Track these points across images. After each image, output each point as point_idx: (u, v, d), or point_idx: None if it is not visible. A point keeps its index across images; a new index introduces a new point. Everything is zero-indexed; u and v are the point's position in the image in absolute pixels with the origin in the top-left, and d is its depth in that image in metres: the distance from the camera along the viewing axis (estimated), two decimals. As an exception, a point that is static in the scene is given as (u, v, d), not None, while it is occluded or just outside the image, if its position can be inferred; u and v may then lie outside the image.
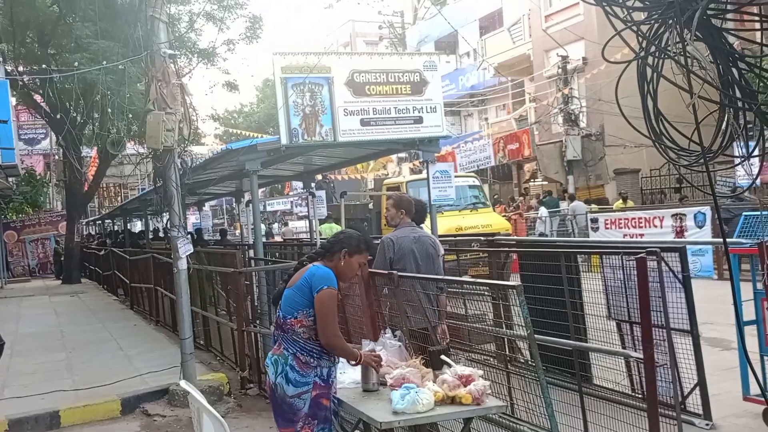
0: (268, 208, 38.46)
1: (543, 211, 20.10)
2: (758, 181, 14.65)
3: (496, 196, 26.46)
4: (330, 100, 7.97)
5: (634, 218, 15.24)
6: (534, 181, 27.83)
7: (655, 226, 14.46)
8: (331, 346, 3.54)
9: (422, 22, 35.63)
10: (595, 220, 16.21)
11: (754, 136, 2.13)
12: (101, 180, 25.54)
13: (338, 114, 7.97)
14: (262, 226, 27.50)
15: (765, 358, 5.44)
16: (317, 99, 7.93)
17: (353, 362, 3.77)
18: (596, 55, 22.00)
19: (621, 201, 19.56)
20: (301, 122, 7.81)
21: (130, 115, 14.47)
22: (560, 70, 23.40)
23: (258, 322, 7.62)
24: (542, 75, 26.45)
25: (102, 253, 21.45)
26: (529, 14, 28.04)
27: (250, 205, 10.83)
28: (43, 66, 18.21)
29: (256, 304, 7.78)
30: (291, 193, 38.08)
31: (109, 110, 13.14)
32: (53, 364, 8.91)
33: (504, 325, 6.15)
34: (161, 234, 20.58)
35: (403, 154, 27.33)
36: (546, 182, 25.79)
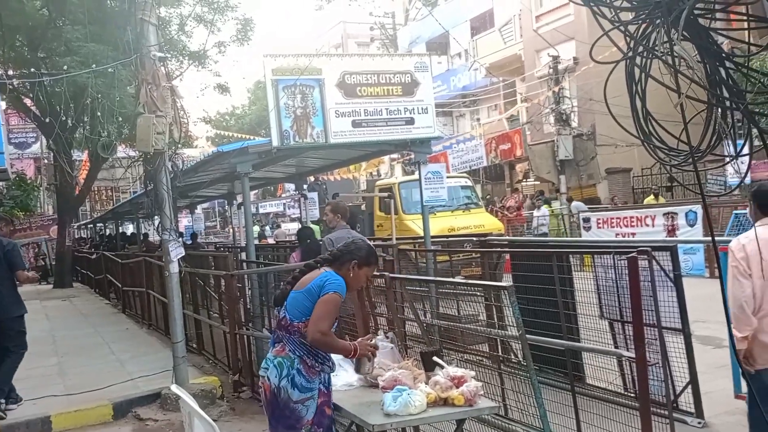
0: (261, 210, 38.45)
1: (544, 210, 20.06)
2: (748, 179, 14.70)
3: (488, 197, 26.51)
4: (321, 101, 7.96)
5: (626, 217, 15.28)
6: (526, 181, 27.89)
7: (647, 225, 14.51)
8: (318, 342, 3.43)
9: (413, 22, 35.66)
10: (587, 220, 16.25)
11: (743, 134, 2.14)
12: (92, 183, 25.41)
13: (329, 115, 7.97)
14: (256, 228, 27.47)
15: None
16: (308, 101, 7.92)
17: (349, 356, 3.69)
18: (587, 55, 22.03)
19: (653, 197, 19.28)
20: (292, 124, 7.80)
21: (120, 119, 14.42)
22: (551, 70, 23.46)
23: (251, 324, 7.60)
24: (533, 75, 26.51)
25: (93, 256, 21.35)
26: (519, 14, 28.10)
27: (242, 207, 10.80)
28: (33, 70, 18.11)
29: (248, 306, 7.76)
30: (283, 195, 38.06)
31: (99, 114, 13.08)
32: (45, 369, 8.85)
33: (497, 326, 6.15)
34: (152, 238, 20.49)
35: (395, 155, 27.36)
36: (538, 182, 25.85)
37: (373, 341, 3.91)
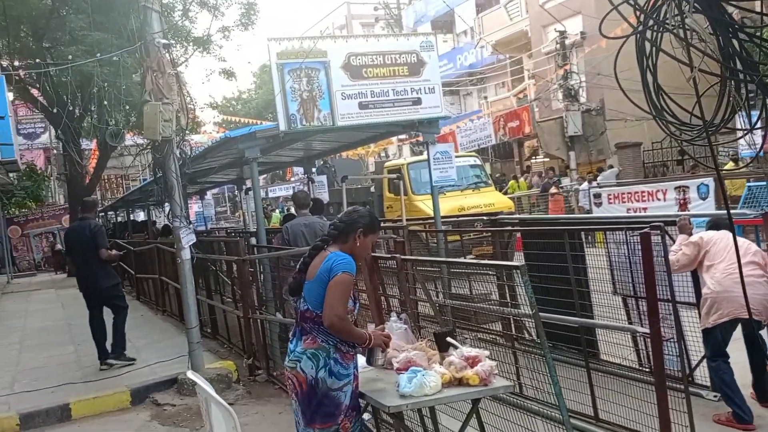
0: (270, 195, 38.43)
1: (585, 185, 19.30)
2: (761, 152, 14.52)
3: (498, 175, 26.40)
4: (327, 84, 7.92)
5: (637, 192, 15.17)
6: (535, 158, 27.76)
7: (659, 199, 14.39)
8: (334, 327, 3.38)
9: (418, 1, 35.31)
10: (598, 195, 16.15)
11: (756, 106, 2.10)
12: (102, 172, 25.52)
13: (336, 98, 7.93)
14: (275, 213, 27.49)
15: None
16: (314, 84, 7.88)
17: (363, 345, 3.64)
18: (594, 29, 21.80)
19: (732, 163, 18.13)
20: (298, 108, 7.77)
21: (127, 107, 14.43)
22: (558, 46, 23.23)
23: (264, 308, 7.64)
24: (540, 51, 26.25)
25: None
26: (525, -11, 27.78)
27: (251, 192, 10.82)
28: (38, 60, 18.12)
29: (260, 290, 7.79)
30: (292, 179, 38.07)
31: (106, 102, 13.09)
32: (62, 358, 8.95)
33: (510, 304, 6.15)
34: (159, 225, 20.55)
35: (402, 135, 27.25)
36: (547, 159, 25.73)
37: (386, 330, 3.91)
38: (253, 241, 9.35)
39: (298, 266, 3.66)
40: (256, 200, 8.58)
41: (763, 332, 5.15)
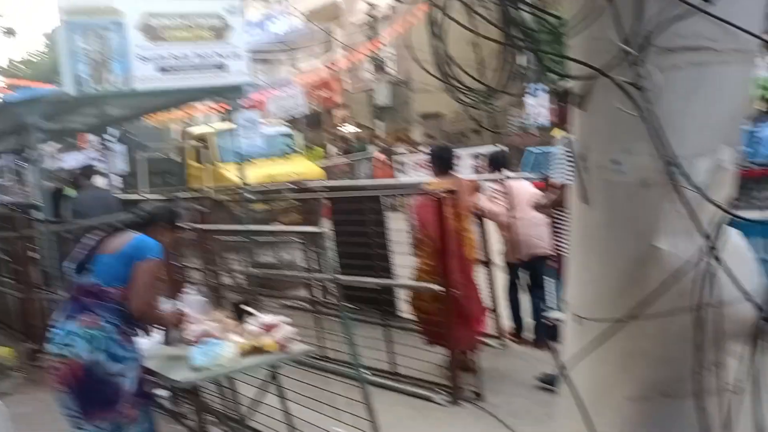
0: (64, 165, 35.35)
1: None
2: (547, 121, 15.74)
3: (307, 144, 26.50)
4: (122, 45, 7.34)
5: (439, 159, 15.95)
6: (345, 128, 28.21)
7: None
8: (146, 315, 3.25)
9: (225, -37, 34.02)
10: (402, 163, 16.79)
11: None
12: None
13: (132, 61, 7.38)
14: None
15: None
16: (107, 45, 7.27)
17: (164, 329, 3.55)
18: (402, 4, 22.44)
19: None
20: (89, 70, 7.14)
21: None
22: (369, 18, 23.68)
23: (47, 287, 7.00)
24: (352, 23, 26.57)
25: None
26: (334, -40, 27.84)
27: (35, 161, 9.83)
28: None
29: (44, 268, 7.13)
30: (87, 149, 35.28)
31: None
32: None
33: (320, 271, 6.22)
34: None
35: (211, 103, 26.29)
36: (357, 129, 26.26)
37: (181, 305, 3.76)
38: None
39: (93, 244, 3.36)
40: (38, 171, 7.84)
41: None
